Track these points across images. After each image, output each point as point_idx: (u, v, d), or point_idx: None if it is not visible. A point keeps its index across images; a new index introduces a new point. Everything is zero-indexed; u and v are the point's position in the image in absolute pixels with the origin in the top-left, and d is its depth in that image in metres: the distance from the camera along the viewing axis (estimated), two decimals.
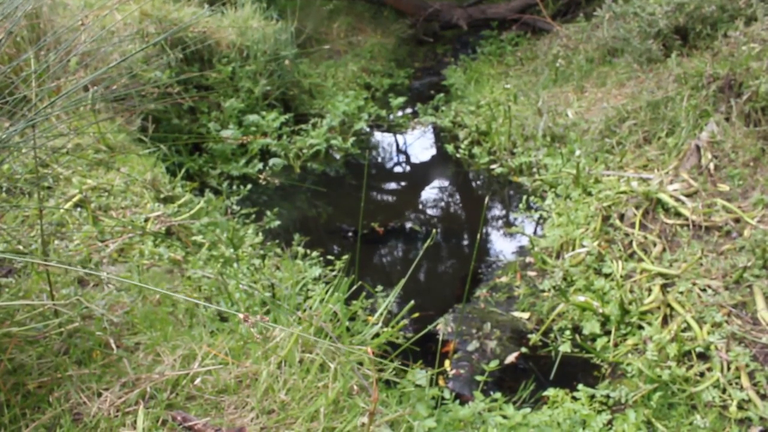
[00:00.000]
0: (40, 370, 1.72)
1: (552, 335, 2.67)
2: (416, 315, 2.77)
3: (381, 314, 2.53)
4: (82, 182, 3.06)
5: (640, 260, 2.88)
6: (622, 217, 3.20)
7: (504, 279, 3.14)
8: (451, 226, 3.98)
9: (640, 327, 2.53)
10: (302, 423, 1.59)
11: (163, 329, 2.02)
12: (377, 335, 2.37)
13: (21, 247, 2.42)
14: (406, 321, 2.64)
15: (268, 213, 3.80)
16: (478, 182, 4.56)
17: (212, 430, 1.57)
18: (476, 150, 4.77)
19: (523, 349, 2.61)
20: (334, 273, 3.15)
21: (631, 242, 3.01)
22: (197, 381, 1.77)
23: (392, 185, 4.83)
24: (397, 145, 5.47)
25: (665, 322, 2.53)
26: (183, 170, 3.93)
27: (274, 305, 2.25)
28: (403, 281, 2.40)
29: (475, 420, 1.98)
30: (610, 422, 2.10)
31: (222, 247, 3.06)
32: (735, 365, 2.20)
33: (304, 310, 2.27)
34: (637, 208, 3.15)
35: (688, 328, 2.44)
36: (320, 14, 7.44)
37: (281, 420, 1.63)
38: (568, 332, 2.65)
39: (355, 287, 2.39)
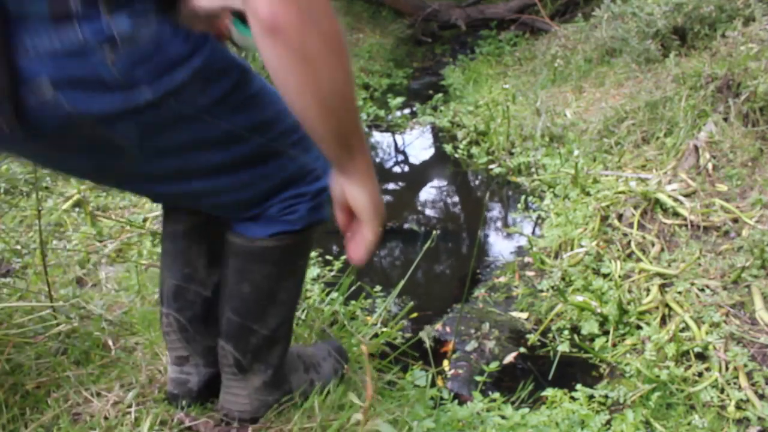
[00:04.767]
0: (39, 371, 1.71)
1: (550, 335, 2.67)
2: (415, 315, 2.77)
3: (380, 315, 2.53)
4: (81, 182, 3.06)
5: (639, 260, 2.88)
6: (620, 217, 3.20)
7: (502, 279, 3.14)
8: (449, 226, 3.98)
9: (639, 327, 2.53)
10: (299, 420, 1.60)
11: None
12: (376, 335, 2.37)
13: (19, 248, 2.42)
14: (405, 322, 2.64)
15: None
16: (477, 182, 4.56)
17: (211, 430, 1.57)
18: (475, 150, 4.77)
19: (522, 349, 2.61)
20: (332, 273, 3.15)
21: (629, 242, 3.02)
22: None
23: (390, 185, 4.83)
24: (396, 145, 5.47)
25: (663, 322, 2.53)
26: None
27: None
28: (402, 282, 2.40)
29: (474, 420, 1.98)
30: (608, 422, 2.10)
31: None
32: (733, 365, 2.21)
33: (303, 310, 2.27)
34: (635, 208, 3.16)
35: (687, 328, 2.44)
36: None
37: (278, 416, 1.63)
38: (566, 332, 2.65)
39: (354, 288, 2.40)
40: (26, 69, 0.94)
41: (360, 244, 1.10)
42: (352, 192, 1.06)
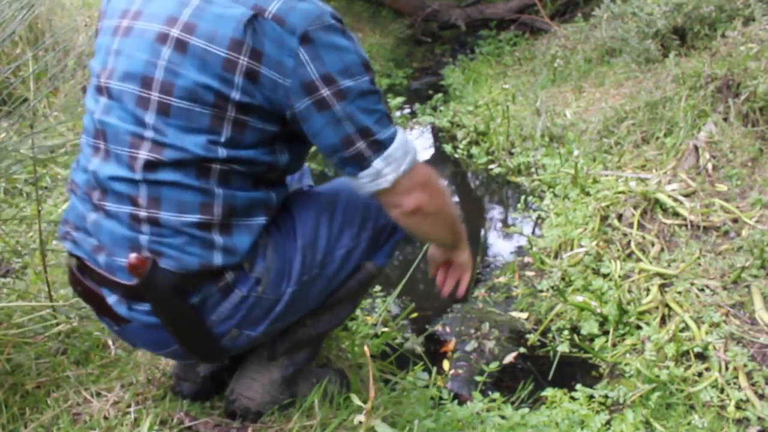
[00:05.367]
0: (39, 371, 1.72)
1: (550, 335, 2.67)
2: (415, 315, 2.77)
3: (380, 315, 2.53)
4: None
5: (639, 260, 2.88)
6: (620, 217, 3.20)
7: (502, 279, 3.14)
8: None
9: (639, 327, 2.53)
10: (299, 419, 1.60)
11: None
12: (376, 336, 2.37)
13: (19, 248, 2.42)
14: (405, 322, 2.64)
15: None
16: (477, 182, 4.56)
17: (211, 430, 1.57)
18: (474, 150, 4.77)
19: (522, 349, 2.61)
20: None
21: (629, 242, 3.02)
22: None
23: None
24: None
25: (663, 322, 2.53)
26: None
27: None
28: (402, 283, 2.40)
29: (474, 420, 1.98)
30: (608, 422, 2.10)
31: None
32: (733, 365, 2.21)
33: None
34: (635, 208, 3.16)
35: (686, 328, 2.44)
36: None
37: (279, 416, 1.63)
38: (566, 332, 2.65)
39: None
40: (219, 331, 1.38)
41: (463, 284, 1.71)
42: (456, 256, 1.65)
